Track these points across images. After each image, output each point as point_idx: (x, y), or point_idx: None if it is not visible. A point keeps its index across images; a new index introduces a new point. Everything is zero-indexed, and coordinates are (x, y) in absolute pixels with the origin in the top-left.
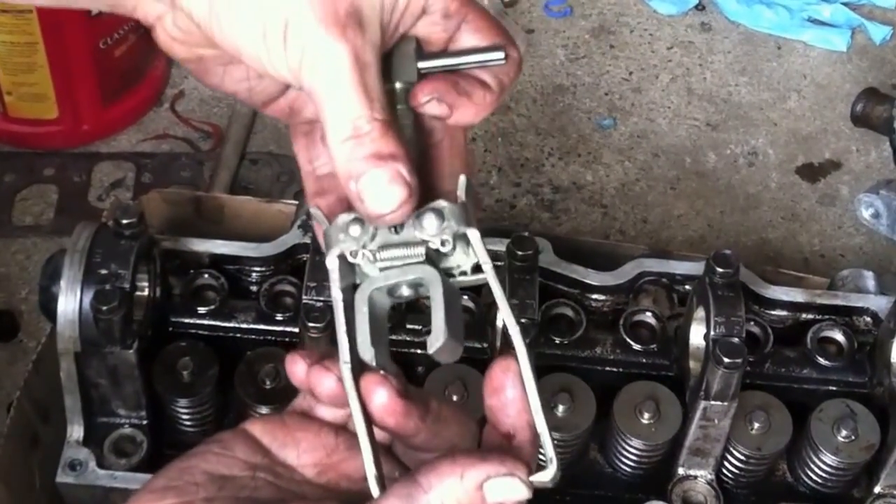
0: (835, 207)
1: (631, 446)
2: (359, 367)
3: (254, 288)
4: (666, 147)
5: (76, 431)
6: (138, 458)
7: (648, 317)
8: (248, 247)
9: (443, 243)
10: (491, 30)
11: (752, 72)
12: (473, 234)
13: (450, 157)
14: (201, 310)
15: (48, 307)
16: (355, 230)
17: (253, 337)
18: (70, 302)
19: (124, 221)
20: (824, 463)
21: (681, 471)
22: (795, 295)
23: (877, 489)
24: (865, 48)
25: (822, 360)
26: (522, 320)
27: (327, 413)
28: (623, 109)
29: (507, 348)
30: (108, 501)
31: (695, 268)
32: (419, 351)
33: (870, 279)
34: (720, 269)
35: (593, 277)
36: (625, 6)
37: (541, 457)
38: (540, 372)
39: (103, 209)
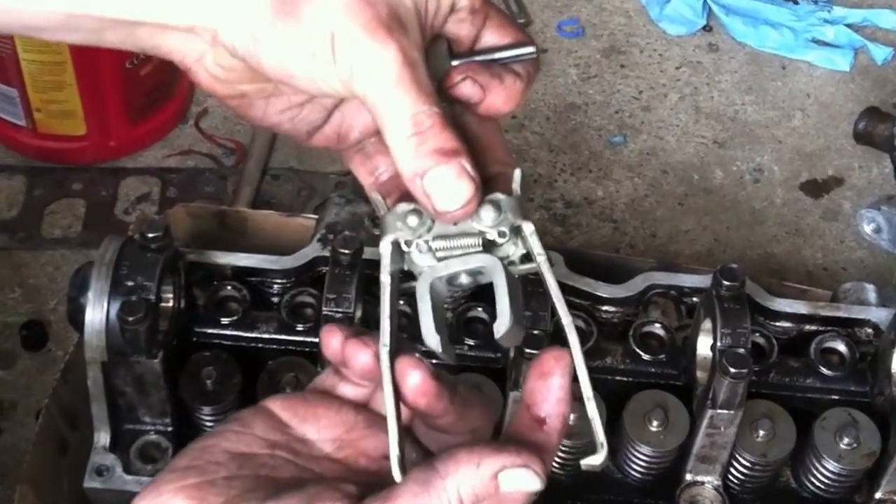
0: (837, 222)
1: (640, 453)
2: (396, 352)
3: (275, 299)
4: (674, 164)
5: (103, 438)
6: (163, 463)
7: (657, 328)
8: (270, 259)
9: (500, 234)
10: (511, 27)
11: (758, 91)
12: (528, 227)
13: (489, 149)
14: (224, 320)
15: (76, 318)
16: (413, 220)
17: (274, 347)
18: (97, 313)
19: (150, 235)
20: (827, 469)
21: (688, 477)
22: (799, 307)
23: (878, 495)
24: (867, 68)
25: (825, 370)
26: (536, 332)
27: (349, 391)
28: (633, 127)
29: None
30: None
31: (702, 281)
32: (435, 360)
33: (871, 292)
34: (727, 283)
35: (604, 290)
36: (635, 27)
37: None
38: None
39: (129, 223)
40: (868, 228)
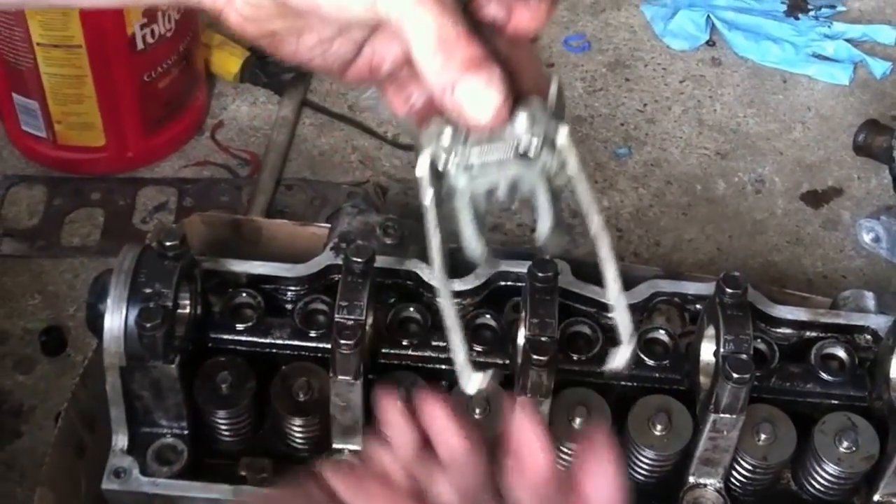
0: (837, 232)
1: (644, 456)
2: (448, 264)
3: (289, 306)
4: (678, 175)
5: (121, 441)
6: (179, 466)
7: (661, 334)
8: (284, 267)
9: (534, 142)
10: None
11: (760, 104)
12: (563, 133)
13: (523, 69)
14: (239, 326)
15: (95, 324)
16: (447, 137)
17: (288, 352)
18: (116, 319)
19: (167, 243)
20: (826, 472)
21: (691, 479)
22: (800, 314)
23: (876, 497)
24: (867, 82)
25: (824, 376)
26: (543, 338)
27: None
28: (637, 139)
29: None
30: None
31: (705, 288)
32: (444, 367)
33: (870, 299)
34: (729, 290)
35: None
36: (640, 42)
37: None
38: (558, 386)
39: (147, 231)
40: (867, 238)
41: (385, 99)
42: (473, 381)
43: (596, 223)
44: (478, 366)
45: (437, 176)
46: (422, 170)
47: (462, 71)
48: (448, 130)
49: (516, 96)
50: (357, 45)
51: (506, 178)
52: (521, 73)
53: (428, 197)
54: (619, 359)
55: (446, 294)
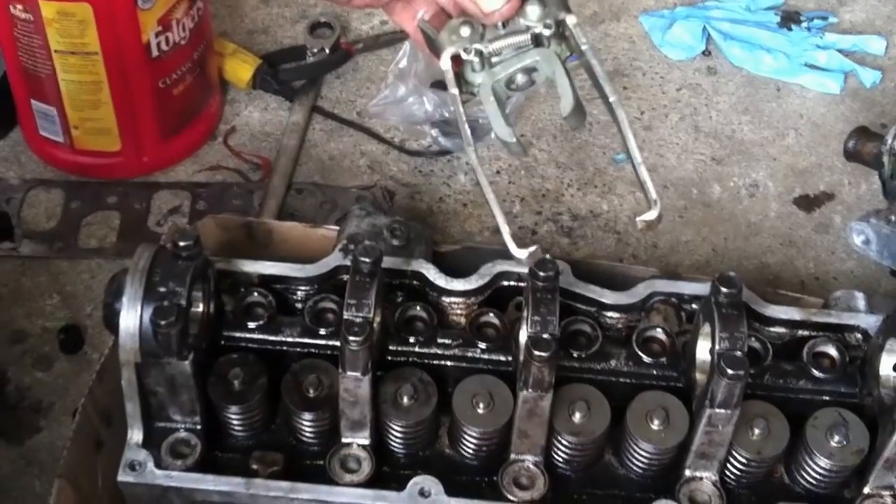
0: (828, 235)
1: (642, 450)
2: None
3: (299, 305)
4: (675, 180)
5: (136, 435)
6: (193, 459)
7: (659, 333)
8: (294, 268)
9: (546, 27)
10: None
11: (754, 112)
12: (571, 19)
13: None
14: (251, 325)
15: (111, 322)
16: (465, 31)
17: (298, 350)
18: (131, 317)
19: (181, 244)
20: (818, 466)
21: (687, 472)
22: (793, 313)
23: (866, 490)
24: (857, 91)
25: (816, 373)
26: (544, 335)
27: None
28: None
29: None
30: (165, 499)
31: (701, 288)
32: (449, 363)
33: (860, 299)
34: (725, 290)
35: (608, 297)
36: (638, 52)
37: None
38: (559, 383)
39: (161, 233)
40: (858, 240)
41: (393, 18)
42: (521, 251)
43: (611, 93)
44: (481, 363)
45: (457, 75)
46: (446, 63)
47: None
48: (466, 27)
49: None
50: None
51: (523, 65)
52: None
53: (453, 85)
54: (651, 214)
55: (481, 172)
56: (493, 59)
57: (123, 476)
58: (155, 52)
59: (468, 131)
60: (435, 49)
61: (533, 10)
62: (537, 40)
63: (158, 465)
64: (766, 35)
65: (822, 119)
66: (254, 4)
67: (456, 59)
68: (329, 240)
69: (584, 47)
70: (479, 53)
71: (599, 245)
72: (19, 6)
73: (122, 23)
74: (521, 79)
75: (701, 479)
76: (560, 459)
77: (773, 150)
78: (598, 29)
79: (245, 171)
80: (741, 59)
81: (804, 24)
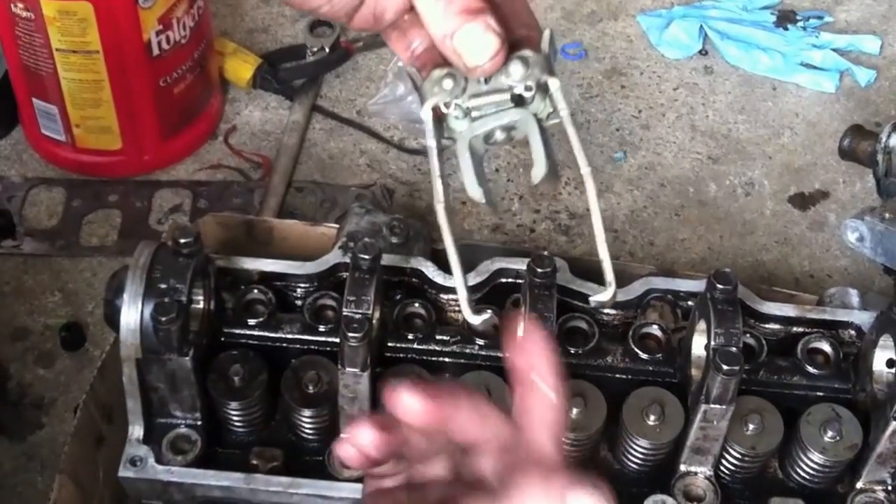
0: (823, 233)
1: (638, 445)
2: (450, 208)
3: (299, 302)
4: (671, 178)
5: (137, 431)
6: (193, 455)
7: (655, 329)
8: (294, 265)
9: (527, 89)
10: None
11: (750, 111)
12: (554, 83)
13: (515, 15)
14: (251, 322)
15: (112, 318)
16: (448, 83)
17: (298, 346)
18: (132, 313)
19: (182, 241)
20: (812, 461)
21: (682, 467)
22: (787, 310)
23: (859, 485)
24: (852, 90)
25: (810, 369)
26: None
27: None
28: (633, 144)
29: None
30: (166, 494)
31: (697, 286)
32: (447, 360)
33: (854, 296)
34: (720, 286)
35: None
36: (635, 50)
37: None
38: None
39: (162, 232)
40: (852, 238)
41: (390, 44)
42: (476, 318)
43: (584, 165)
44: (479, 359)
45: (439, 125)
46: (426, 114)
47: (462, 19)
48: (449, 80)
49: (511, 45)
50: None
51: (501, 123)
52: (514, 21)
53: (431, 138)
54: (604, 296)
55: (447, 229)
56: (474, 114)
57: (124, 471)
58: (156, 51)
59: (440, 187)
60: (419, 95)
61: (516, 70)
62: (519, 99)
63: (159, 460)
64: (762, 34)
65: (817, 118)
66: (254, 4)
67: (437, 109)
68: (329, 238)
69: (562, 113)
70: (459, 108)
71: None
72: (20, 5)
73: (123, 21)
74: (499, 135)
75: (696, 474)
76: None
77: (769, 148)
78: (596, 28)
79: (245, 169)
80: (737, 58)
81: (800, 24)
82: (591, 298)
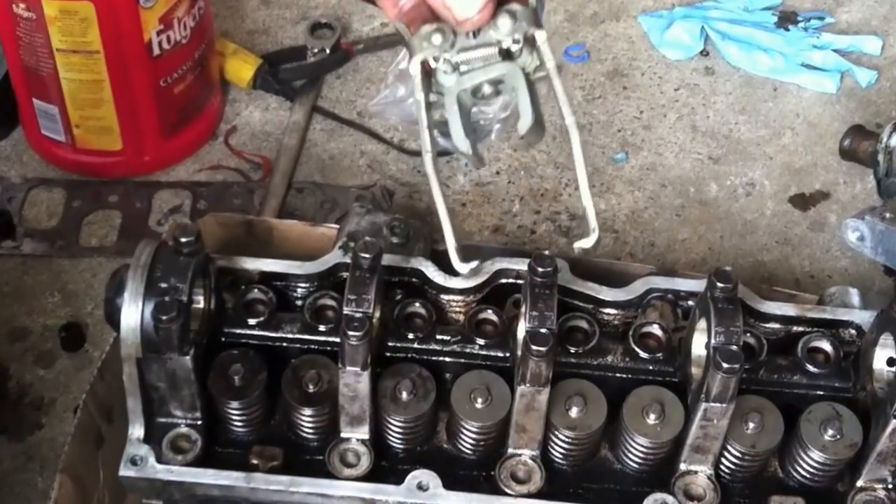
0: (824, 233)
1: (638, 444)
2: (436, 157)
3: (299, 302)
4: (672, 178)
5: (137, 430)
6: (193, 454)
7: (655, 329)
8: (294, 265)
9: (515, 42)
10: None
11: (751, 111)
12: (541, 35)
13: None
14: (251, 321)
15: (113, 317)
16: (437, 38)
17: (298, 346)
18: (133, 312)
19: (183, 240)
20: (812, 459)
21: (683, 466)
22: (787, 309)
23: (859, 483)
24: (853, 90)
25: (811, 368)
26: (542, 330)
27: None
28: (634, 145)
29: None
30: (166, 493)
31: (697, 285)
32: (447, 359)
33: (855, 296)
34: (721, 285)
35: (606, 293)
36: (637, 52)
37: None
38: (556, 378)
39: (162, 233)
40: (852, 237)
41: (378, 3)
42: (463, 265)
43: (568, 115)
44: (479, 359)
45: (428, 80)
46: (415, 69)
47: None
48: (438, 35)
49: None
50: None
51: (489, 77)
52: None
53: (419, 91)
54: (587, 242)
55: (434, 177)
56: (462, 69)
57: (125, 471)
58: (156, 51)
59: (427, 137)
60: (408, 50)
61: (504, 23)
62: (506, 53)
63: (159, 459)
64: (763, 35)
65: (818, 118)
66: (255, 5)
67: (426, 63)
68: (329, 238)
69: (548, 64)
70: (448, 62)
71: (597, 243)
72: (22, 5)
73: (124, 21)
74: (487, 89)
75: (696, 472)
76: (557, 454)
77: (770, 149)
78: (598, 29)
79: (246, 170)
80: (738, 58)
81: (801, 25)
82: (574, 245)
